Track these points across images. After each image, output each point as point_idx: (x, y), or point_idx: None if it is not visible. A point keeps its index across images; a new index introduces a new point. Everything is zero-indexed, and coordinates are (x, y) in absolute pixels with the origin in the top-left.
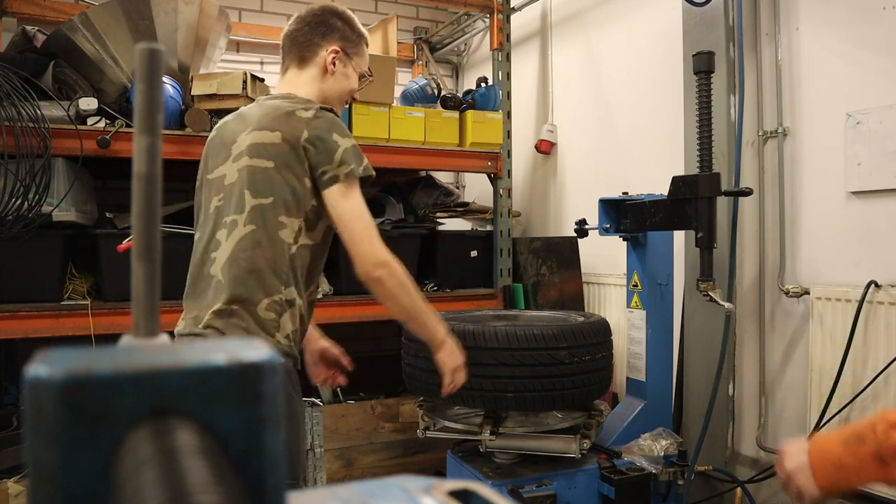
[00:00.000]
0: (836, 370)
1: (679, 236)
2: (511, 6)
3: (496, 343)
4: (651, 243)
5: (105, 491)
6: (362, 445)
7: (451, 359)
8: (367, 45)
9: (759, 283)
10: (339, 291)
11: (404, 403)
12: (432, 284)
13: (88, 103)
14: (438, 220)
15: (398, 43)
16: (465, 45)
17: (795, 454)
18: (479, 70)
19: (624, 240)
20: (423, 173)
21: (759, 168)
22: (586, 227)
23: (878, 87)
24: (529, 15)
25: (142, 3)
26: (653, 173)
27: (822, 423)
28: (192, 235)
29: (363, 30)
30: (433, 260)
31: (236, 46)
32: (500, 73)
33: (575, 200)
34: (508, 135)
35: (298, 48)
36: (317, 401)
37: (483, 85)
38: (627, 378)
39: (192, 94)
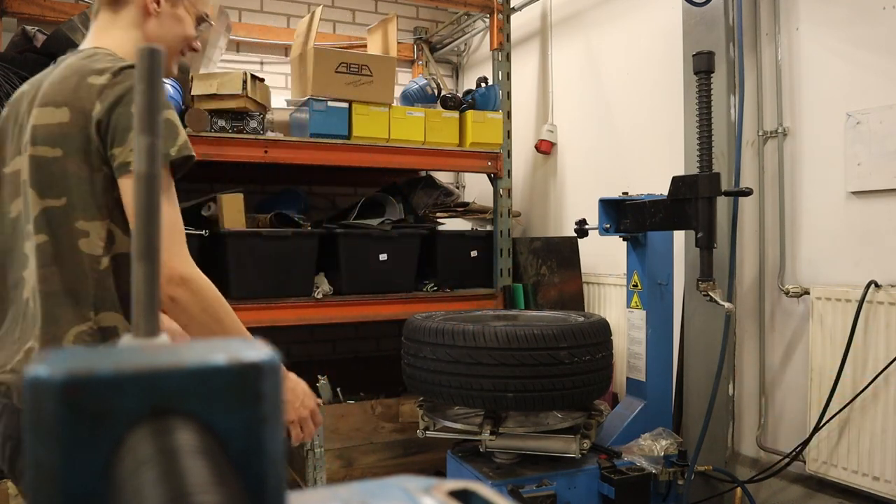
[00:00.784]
0: (836, 370)
1: (679, 236)
2: (511, 6)
3: (496, 343)
4: (651, 243)
5: (105, 491)
6: (362, 445)
7: (288, 403)
8: None
9: (759, 283)
10: (339, 291)
11: (404, 403)
12: (432, 284)
13: None
14: (438, 220)
15: (398, 43)
16: (465, 45)
17: None
18: (479, 70)
19: (624, 240)
20: (423, 173)
21: (759, 168)
22: (586, 227)
23: (878, 87)
24: (529, 15)
25: None
26: (653, 173)
27: (821, 423)
28: (191, 235)
29: None
30: (433, 260)
31: (236, 46)
32: (500, 73)
33: (575, 200)
34: (508, 135)
35: None
36: (317, 401)
37: (483, 85)
38: (627, 378)
39: (192, 94)
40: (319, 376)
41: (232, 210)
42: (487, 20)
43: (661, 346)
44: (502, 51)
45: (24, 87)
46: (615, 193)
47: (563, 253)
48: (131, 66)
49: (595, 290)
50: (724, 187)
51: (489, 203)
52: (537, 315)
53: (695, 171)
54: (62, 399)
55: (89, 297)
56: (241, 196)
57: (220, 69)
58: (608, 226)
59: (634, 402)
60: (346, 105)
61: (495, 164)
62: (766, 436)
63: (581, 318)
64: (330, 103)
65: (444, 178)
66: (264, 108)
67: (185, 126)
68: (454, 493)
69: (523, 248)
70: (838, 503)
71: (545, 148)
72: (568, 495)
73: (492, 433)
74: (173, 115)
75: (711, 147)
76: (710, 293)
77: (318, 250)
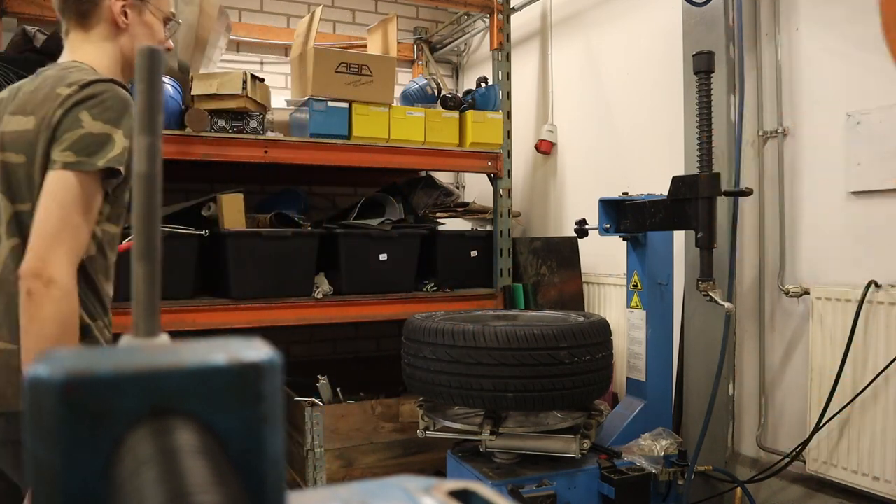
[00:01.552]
0: (836, 370)
1: (679, 236)
2: (511, 6)
3: (496, 343)
4: (651, 243)
5: (105, 491)
6: (362, 445)
7: None
8: None
9: (759, 283)
10: (339, 291)
11: (404, 403)
12: (432, 284)
13: None
14: (438, 220)
15: (398, 43)
16: (465, 45)
17: None
18: (479, 70)
19: (624, 240)
20: (423, 173)
21: (759, 168)
22: (586, 227)
23: (878, 86)
24: (529, 15)
25: None
26: (653, 173)
27: (821, 423)
28: (191, 235)
29: None
30: (433, 260)
31: (236, 46)
32: (500, 73)
33: (575, 200)
34: (508, 135)
35: (74, 2)
36: (317, 401)
37: (483, 85)
38: (627, 378)
39: (192, 94)
40: (319, 376)
41: (232, 210)
42: (487, 20)
43: (661, 346)
44: (502, 51)
45: (3, 93)
46: (615, 193)
47: (563, 253)
48: (103, 81)
49: (595, 290)
50: (724, 187)
51: (489, 203)
52: (537, 315)
53: (695, 171)
54: (62, 399)
55: None
56: (241, 196)
57: (220, 69)
58: (608, 226)
59: (634, 402)
60: (346, 105)
61: (495, 164)
62: (766, 436)
63: (581, 318)
64: (330, 103)
65: (444, 178)
66: (264, 108)
67: (185, 126)
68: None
69: (523, 248)
70: (838, 503)
71: (545, 148)
72: (568, 495)
73: (492, 433)
74: (111, 132)
75: (711, 147)
76: (710, 293)
77: (318, 250)
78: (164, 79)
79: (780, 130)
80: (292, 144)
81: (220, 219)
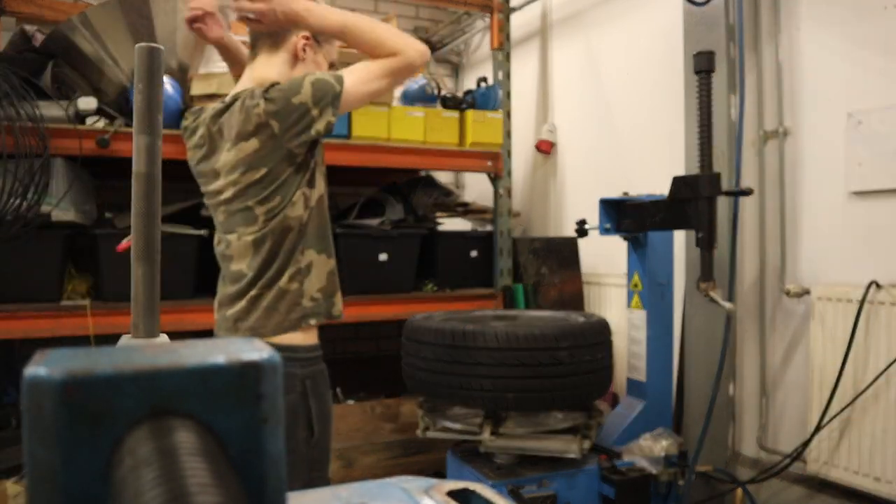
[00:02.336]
0: (836, 370)
1: (679, 236)
2: (511, 6)
3: (496, 343)
4: (651, 243)
5: (104, 491)
6: (362, 445)
7: None
8: None
9: (759, 283)
10: None
11: (404, 403)
12: (432, 284)
13: (87, 103)
14: (438, 220)
15: None
16: (465, 44)
17: None
18: (479, 70)
19: (624, 240)
20: (423, 173)
21: (760, 168)
22: (586, 227)
23: (879, 86)
24: (529, 14)
25: (141, 2)
26: (653, 173)
27: (822, 424)
28: (191, 235)
29: None
30: (433, 260)
31: None
32: (500, 72)
33: (575, 200)
34: (508, 135)
35: (271, 33)
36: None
37: (483, 85)
38: (627, 378)
39: (192, 93)
40: None
41: None
42: (487, 20)
43: (662, 347)
44: (502, 50)
45: (205, 114)
46: (615, 193)
47: (563, 253)
48: (276, 83)
49: (595, 290)
50: (724, 187)
51: (489, 203)
52: (537, 315)
53: (695, 171)
54: (61, 399)
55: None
56: None
57: (220, 69)
58: (608, 226)
59: (634, 403)
60: None
61: (495, 163)
62: (767, 436)
63: (581, 319)
64: None
65: (444, 178)
66: None
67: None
68: (454, 494)
69: (523, 248)
70: (839, 503)
71: (545, 148)
72: (568, 496)
73: (492, 433)
74: (318, 75)
75: (712, 147)
76: (710, 293)
77: None
78: (164, 78)
79: (780, 130)
80: None
81: None
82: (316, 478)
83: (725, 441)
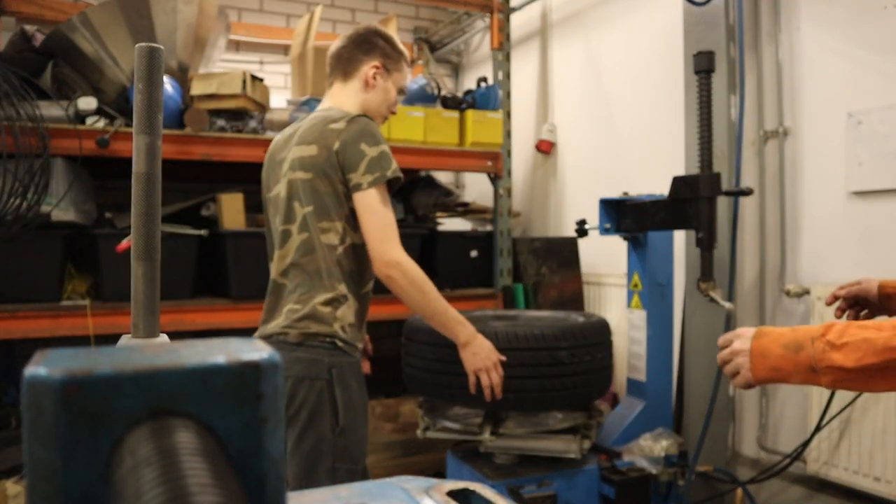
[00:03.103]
0: None
1: (679, 236)
2: (511, 6)
3: (496, 343)
4: (651, 243)
5: (104, 491)
6: None
7: (472, 360)
8: (406, 63)
9: (759, 283)
10: None
11: (404, 403)
12: None
13: (87, 103)
14: (438, 220)
15: None
16: (465, 44)
17: (744, 340)
18: (479, 70)
19: (624, 240)
20: (423, 173)
21: (760, 168)
22: (586, 227)
23: (879, 86)
24: (529, 14)
25: (141, 2)
26: (653, 173)
27: (822, 424)
28: (191, 235)
29: (403, 49)
30: (433, 260)
31: (236, 46)
32: (500, 72)
33: (575, 200)
34: (508, 135)
35: (344, 63)
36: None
37: (483, 85)
38: (628, 378)
39: (192, 93)
40: None
41: (232, 210)
42: (487, 20)
43: (662, 347)
44: (502, 50)
45: (279, 136)
46: (615, 193)
47: (563, 253)
48: (358, 116)
49: (595, 290)
50: (724, 187)
51: (489, 203)
52: (537, 315)
53: (695, 170)
54: (61, 399)
55: (332, 274)
56: (241, 196)
57: (220, 69)
58: (608, 226)
59: (634, 403)
60: None
61: (495, 163)
62: (767, 436)
63: (581, 319)
64: None
65: (444, 178)
66: (263, 107)
67: (184, 126)
68: (454, 494)
69: (523, 248)
70: (839, 503)
71: (545, 148)
72: (568, 496)
73: (492, 434)
74: (383, 150)
75: (712, 147)
76: (710, 293)
77: None
78: (164, 78)
79: (780, 130)
80: None
81: (219, 219)
82: (341, 469)
83: (725, 441)
